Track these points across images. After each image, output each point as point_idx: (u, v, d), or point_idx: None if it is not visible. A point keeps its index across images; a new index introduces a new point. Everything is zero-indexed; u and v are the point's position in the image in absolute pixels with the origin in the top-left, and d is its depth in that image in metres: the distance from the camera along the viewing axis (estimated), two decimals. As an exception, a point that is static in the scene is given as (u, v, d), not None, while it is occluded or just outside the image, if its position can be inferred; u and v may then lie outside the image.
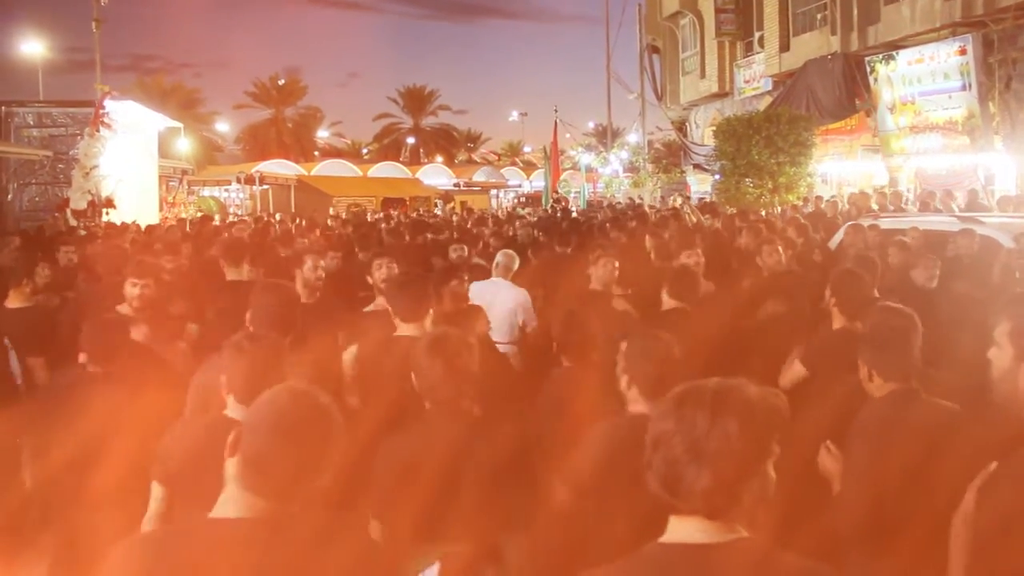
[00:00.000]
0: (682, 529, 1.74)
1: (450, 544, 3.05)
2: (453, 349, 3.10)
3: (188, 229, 14.03)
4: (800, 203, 17.90)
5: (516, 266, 6.88)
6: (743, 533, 1.73)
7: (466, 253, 8.54)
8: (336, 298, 5.78)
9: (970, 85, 17.73)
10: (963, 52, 17.75)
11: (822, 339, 4.49)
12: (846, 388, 3.37)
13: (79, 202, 17.47)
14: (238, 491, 1.99)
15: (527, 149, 77.16)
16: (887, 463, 2.82)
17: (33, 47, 33.27)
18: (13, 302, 6.05)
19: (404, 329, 4.24)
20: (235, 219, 20.52)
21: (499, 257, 6.88)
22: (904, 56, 19.71)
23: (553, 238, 9.63)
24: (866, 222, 9.46)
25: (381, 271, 5.58)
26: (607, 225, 11.76)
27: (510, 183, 51.77)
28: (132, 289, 5.35)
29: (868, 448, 2.89)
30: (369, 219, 19.83)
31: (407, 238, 10.99)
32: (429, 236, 10.91)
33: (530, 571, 3.00)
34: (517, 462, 3.09)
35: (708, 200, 21.24)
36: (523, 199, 43.72)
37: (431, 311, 4.36)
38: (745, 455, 1.70)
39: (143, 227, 13.80)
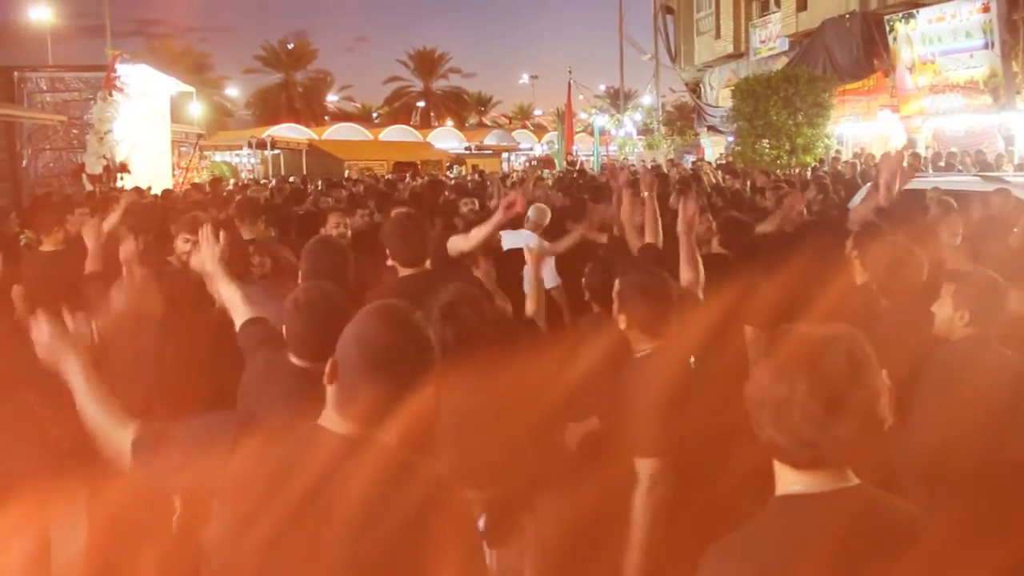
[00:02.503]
0: (803, 480, 1.73)
1: (484, 491, 3.11)
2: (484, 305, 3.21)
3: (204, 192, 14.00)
4: (817, 164, 17.76)
5: (547, 221, 6.85)
6: (855, 479, 1.74)
7: (478, 207, 8.43)
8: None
9: (993, 43, 17.47)
10: (986, 9, 17.47)
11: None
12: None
13: (94, 167, 17.44)
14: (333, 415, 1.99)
15: (538, 112, 76.70)
16: (957, 408, 2.83)
17: (42, 13, 33.10)
18: (47, 247, 6.14)
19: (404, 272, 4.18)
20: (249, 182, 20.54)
21: (531, 212, 6.78)
22: (924, 14, 19.41)
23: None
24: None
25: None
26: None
27: (521, 146, 51.54)
28: (184, 245, 5.25)
29: (940, 390, 2.90)
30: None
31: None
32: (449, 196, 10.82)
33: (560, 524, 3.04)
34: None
35: (727, 161, 21.07)
36: (535, 162, 43.58)
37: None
38: (878, 402, 1.70)
39: (159, 192, 13.78)
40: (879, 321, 3.62)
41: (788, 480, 1.75)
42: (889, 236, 4.39)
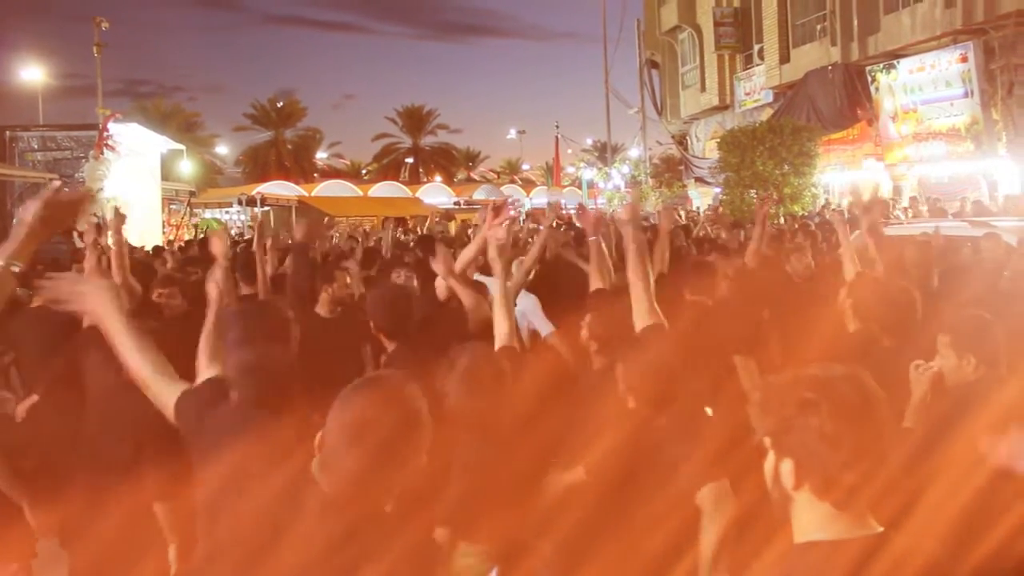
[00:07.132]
0: (825, 528, 1.71)
1: (485, 544, 3.07)
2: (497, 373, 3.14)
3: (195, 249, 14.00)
4: (805, 214, 17.90)
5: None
6: (878, 527, 1.72)
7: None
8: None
9: (972, 92, 17.80)
10: (964, 59, 17.85)
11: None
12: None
13: (85, 224, 17.44)
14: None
15: (526, 167, 77.34)
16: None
17: (33, 73, 33.42)
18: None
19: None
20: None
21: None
22: (905, 65, 19.80)
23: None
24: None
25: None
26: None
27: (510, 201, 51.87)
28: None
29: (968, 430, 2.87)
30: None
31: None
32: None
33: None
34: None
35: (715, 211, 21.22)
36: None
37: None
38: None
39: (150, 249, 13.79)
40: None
41: (809, 527, 1.72)
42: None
